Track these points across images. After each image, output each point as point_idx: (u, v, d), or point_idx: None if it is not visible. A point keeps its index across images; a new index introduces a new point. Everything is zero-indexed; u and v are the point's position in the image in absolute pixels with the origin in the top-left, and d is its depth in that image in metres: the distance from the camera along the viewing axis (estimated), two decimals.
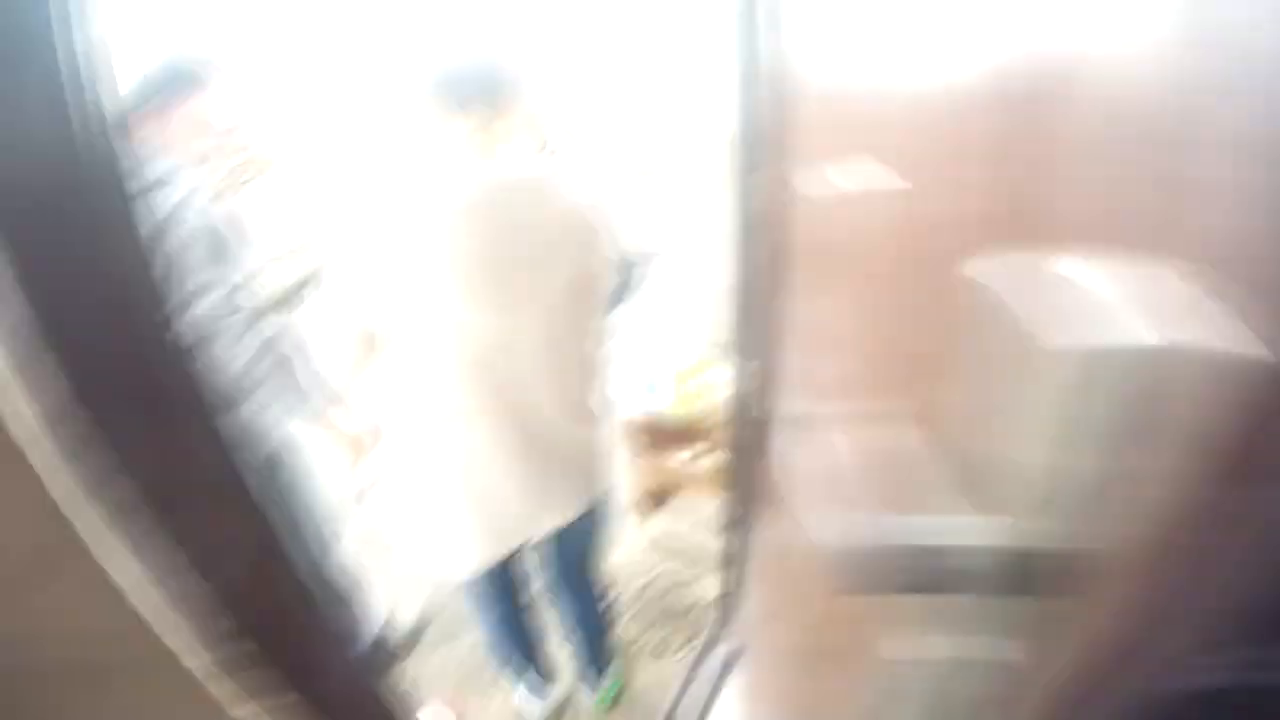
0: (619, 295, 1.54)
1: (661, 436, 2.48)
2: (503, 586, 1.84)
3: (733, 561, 2.12)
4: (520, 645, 2.06)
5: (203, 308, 1.54)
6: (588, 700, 2.25)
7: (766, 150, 1.37)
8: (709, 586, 2.49)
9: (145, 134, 1.59)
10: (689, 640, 2.45)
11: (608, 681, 2.22)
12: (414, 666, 2.47)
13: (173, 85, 1.63)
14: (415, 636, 2.56)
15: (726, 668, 2.06)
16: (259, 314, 1.64)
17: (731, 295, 1.74)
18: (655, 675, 2.36)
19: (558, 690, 2.23)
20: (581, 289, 1.36)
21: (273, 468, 1.88)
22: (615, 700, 2.25)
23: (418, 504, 1.52)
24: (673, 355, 2.36)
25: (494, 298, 1.26)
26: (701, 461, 2.48)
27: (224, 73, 1.68)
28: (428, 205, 1.22)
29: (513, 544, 1.58)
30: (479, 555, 1.55)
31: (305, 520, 2.00)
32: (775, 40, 1.27)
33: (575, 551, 1.85)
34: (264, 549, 0.61)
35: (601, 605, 2.08)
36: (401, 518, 1.61)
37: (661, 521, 2.74)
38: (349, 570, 2.21)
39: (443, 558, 1.57)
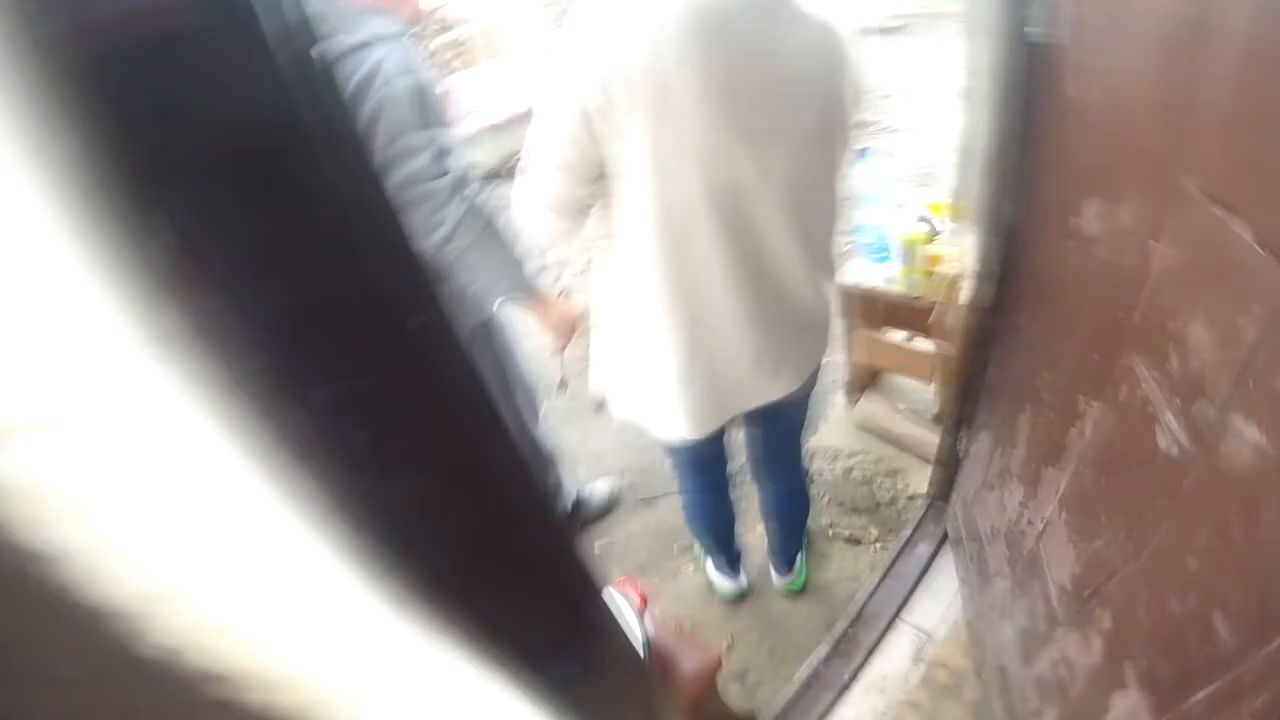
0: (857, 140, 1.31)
1: (883, 311, 2.27)
2: (710, 459, 1.74)
3: (946, 459, 1.93)
4: (717, 521, 2.00)
5: (409, 168, 1.51)
6: (776, 584, 2.23)
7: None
8: (916, 478, 2.31)
9: None
10: (889, 531, 2.31)
11: (796, 569, 2.17)
12: (607, 535, 2.56)
13: None
14: (610, 507, 2.64)
15: (929, 564, 1.93)
16: (466, 182, 1.58)
17: (979, 161, 1.50)
18: (850, 565, 2.26)
19: (747, 572, 2.22)
20: (832, 124, 1.16)
21: (482, 339, 1.93)
22: (802, 588, 2.21)
23: (638, 361, 1.36)
24: (907, 223, 2.10)
25: (741, 126, 1.06)
26: (922, 343, 2.25)
27: None
28: (670, 8, 0.99)
29: (735, 410, 1.42)
30: (702, 420, 1.38)
31: (513, 390, 2.07)
32: None
33: (785, 427, 1.73)
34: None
35: (802, 490, 1.97)
36: (620, 379, 1.44)
37: (872, 403, 2.56)
38: (549, 441, 2.29)
39: (662, 421, 1.40)
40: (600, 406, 1.60)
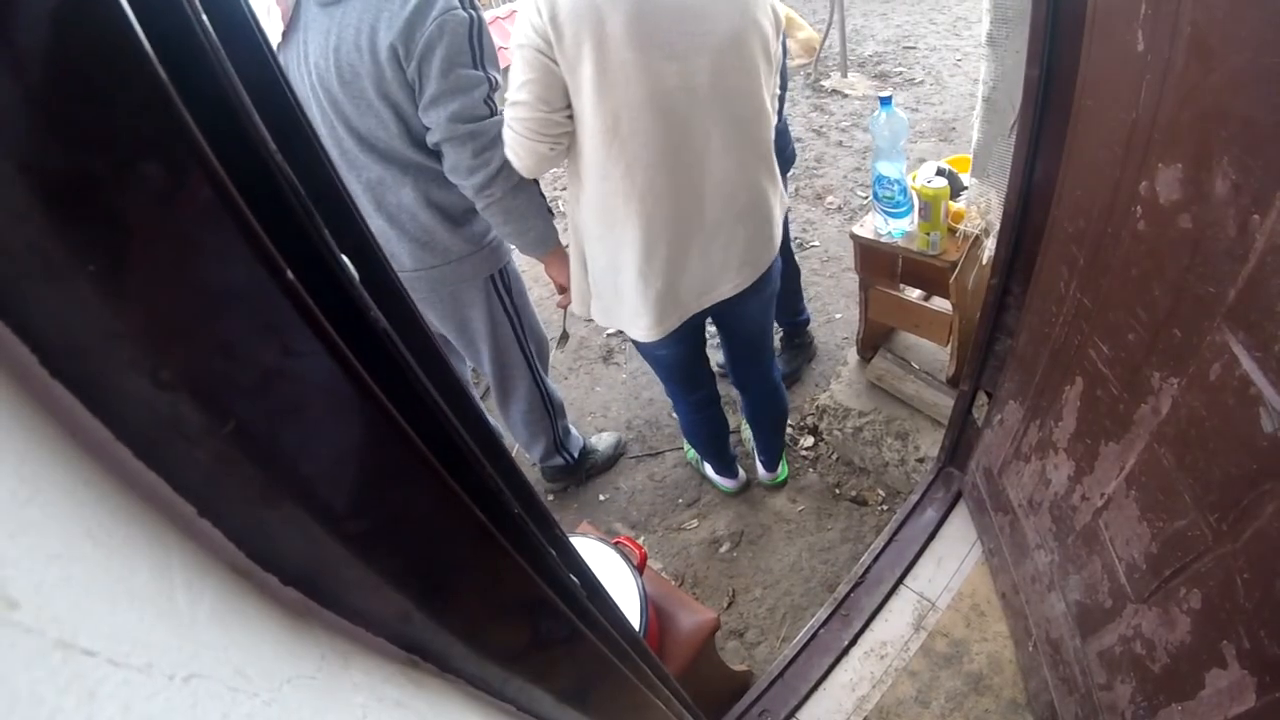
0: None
1: (900, 268, 2.17)
2: (693, 373, 1.91)
3: (959, 424, 1.86)
4: (708, 434, 2.17)
5: (463, 103, 1.46)
6: (762, 479, 2.39)
7: None
8: (926, 441, 2.25)
9: None
10: (895, 494, 2.27)
11: (779, 470, 2.37)
12: (612, 487, 2.52)
13: None
14: (615, 459, 2.59)
15: (935, 531, 1.88)
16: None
17: (1009, 113, 1.41)
18: (855, 525, 2.22)
19: (741, 474, 2.38)
20: (746, 35, 1.34)
21: (501, 284, 1.88)
22: (784, 483, 2.40)
23: (606, 270, 1.53)
24: (928, 177, 2.00)
25: (665, 45, 1.26)
26: (939, 303, 2.17)
27: None
28: None
29: (692, 307, 1.57)
30: (663, 318, 1.54)
31: (526, 338, 2.02)
32: None
33: (750, 331, 1.87)
34: None
35: (776, 390, 2.13)
36: (595, 289, 1.60)
37: (885, 362, 2.49)
38: (556, 392, 2.25)
39: (631, 322, 1.57)
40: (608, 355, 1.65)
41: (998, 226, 1.52)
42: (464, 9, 1.43)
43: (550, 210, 1.68)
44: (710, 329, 2.03)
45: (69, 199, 0.23)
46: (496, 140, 1.47)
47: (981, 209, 1.83)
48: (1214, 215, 0.80)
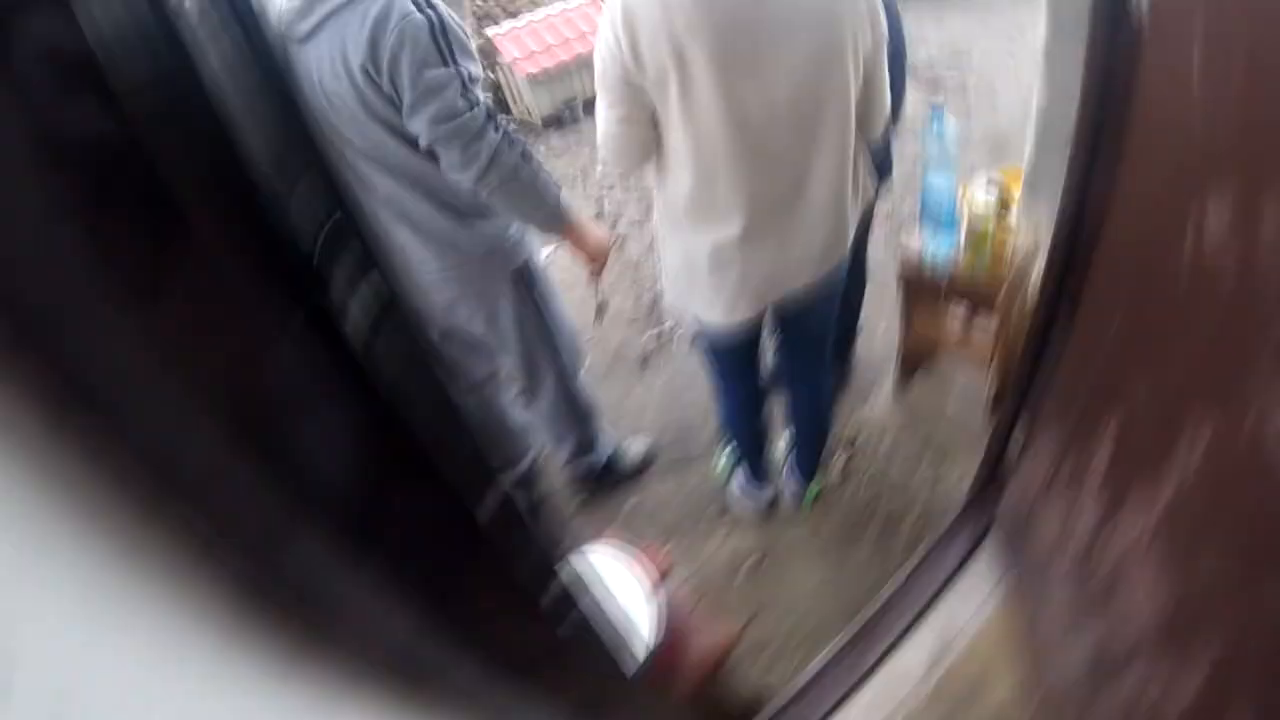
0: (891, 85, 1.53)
1: (945, 286, 2.10)
2: (744, 361, 1.93)
3: (996, 452, 1.78)
4: (750, 431, 2.14)
5: (440, 103, 1.47)
6: (791, 490, 2.29)
7: None
8: (962, 467, 2.16)
9: None
10: (925, 517, 2.18)
11: (812, 484, 2.27)
12: (638, 495, 2.48)
13: None
14: (645, 466, 2.53)
15: (962, 564, 1.80)
16: (495, 113, 1.54)
17: (1063, 131, 1.34)
18: (882, 549, 2.15)
19: (768, 492, 2.29)
20: (832, 51, 1.35)
21: (526, 281, 1.88)
22: (813, 503, 2.29)
23: (685, 261, 1.60)
24: (977, 193, 1.92)
25: (742, 67, 1.30)
26: (983, 324, 2.09)
27: None
28: None
29: (766, 296, 1.64)
30: (735, 306, 1.61)
31: (554, 338, 2.00)
32: None
33: (809, 331, 1.88)
34: None
35: (825, 398, 2.11)
36: (672, 279, 1.68)
37: (925, 383, 2.41)
38: (588, 395, 2.23)
39: (704, 307, 1.65)
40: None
41: (1047, 246, 1.45)
42: (420, 11, 1.43)
43: (555, 185, 1.68)
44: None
45: None
46: (483, 130, 1.50)
47: (1032, 227, 1.75)
48: (1271, 253, 0.74)
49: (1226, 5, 0.80)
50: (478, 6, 7.07)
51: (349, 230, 0.51)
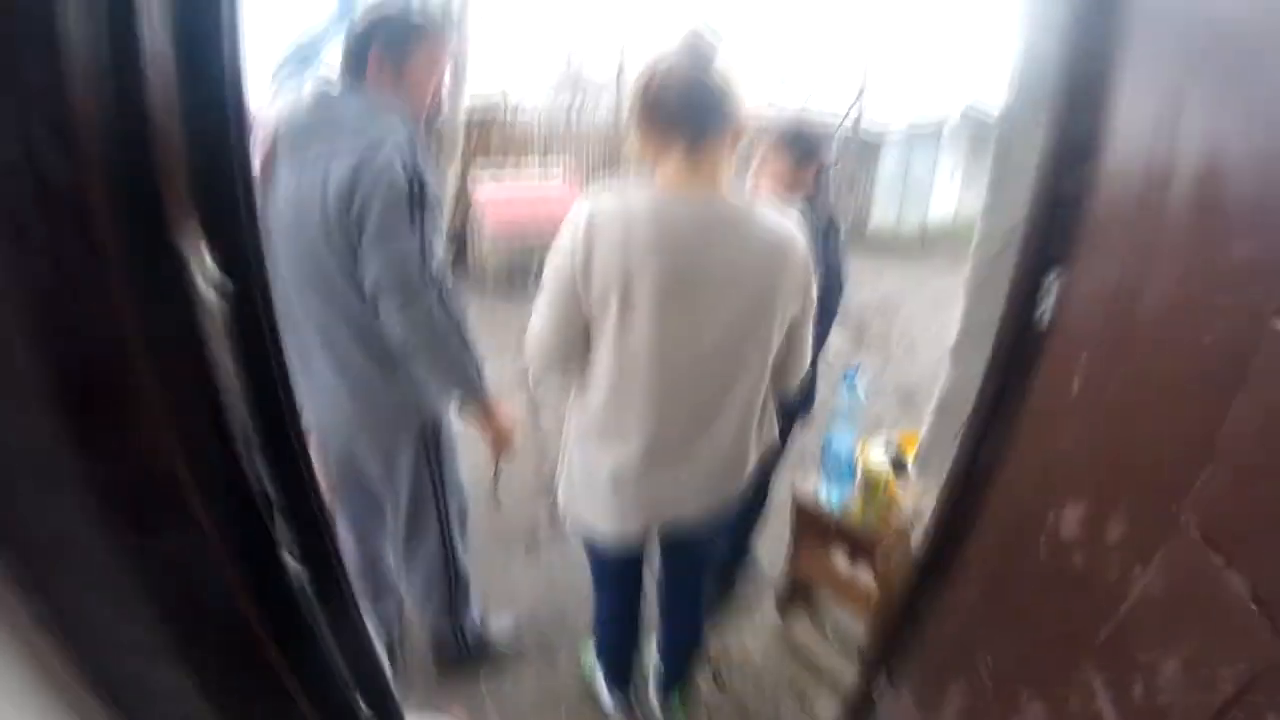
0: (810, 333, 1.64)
1: (832, 531, 2.23)
2: (627, 579, 1.97)
3: (858, 701, 1.83)
4: (619, 632, 2.12)
5: (392, 257, 1.54)
6: (652, 707, 2.23)
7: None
8: (824, 707, 2.19)
9: (382, 78, 1.62)
10: None
11: (675, 699, 2.22)
12: (497, 678, 2.38)
13: (418, 34, 1.64)
14: (509, 647, 2.45)
15: None
16: (442, 279, 1.61)
17: (957, 420, 1.51)
18: None
19: (629, 697, 2.24)
20: (762, 313, 1.47)
21: (430, 438, 1.88)
22: (676, 715, 2.23)
23: (586, 471, 1.64)
24: (875, 451, 2.11)
25: (681, 310, 1.40)
26: (864, 573, 2.20)
27: (449, 32, 1.71)
28: (639, 220, 1.35)
29: (655, 516, 1.67)
30: (624, 520, 1.64)
31: (448, 498, 1.99)
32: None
33: (692, 563, 1.93)
34: None
35: (696, 627, 2.11)
36: (570, 485, 1.71)
37: (799, 620, 2.47)
38: (465, 564, 2.17)
39: (595, 518, 1.67)
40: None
41: (929, 515, 1.58)
42: (403, 170, 1.52)
43: (478, 361, 1.75)
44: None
45: None
46: (422, 295, 1.57)
47: (916, 499, 1.92)
48: (1103, 558, 0.86)
49: (1105, 348, 0.98)
50: (465, 151, 7.48)
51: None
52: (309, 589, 0.60)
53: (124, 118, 0.39)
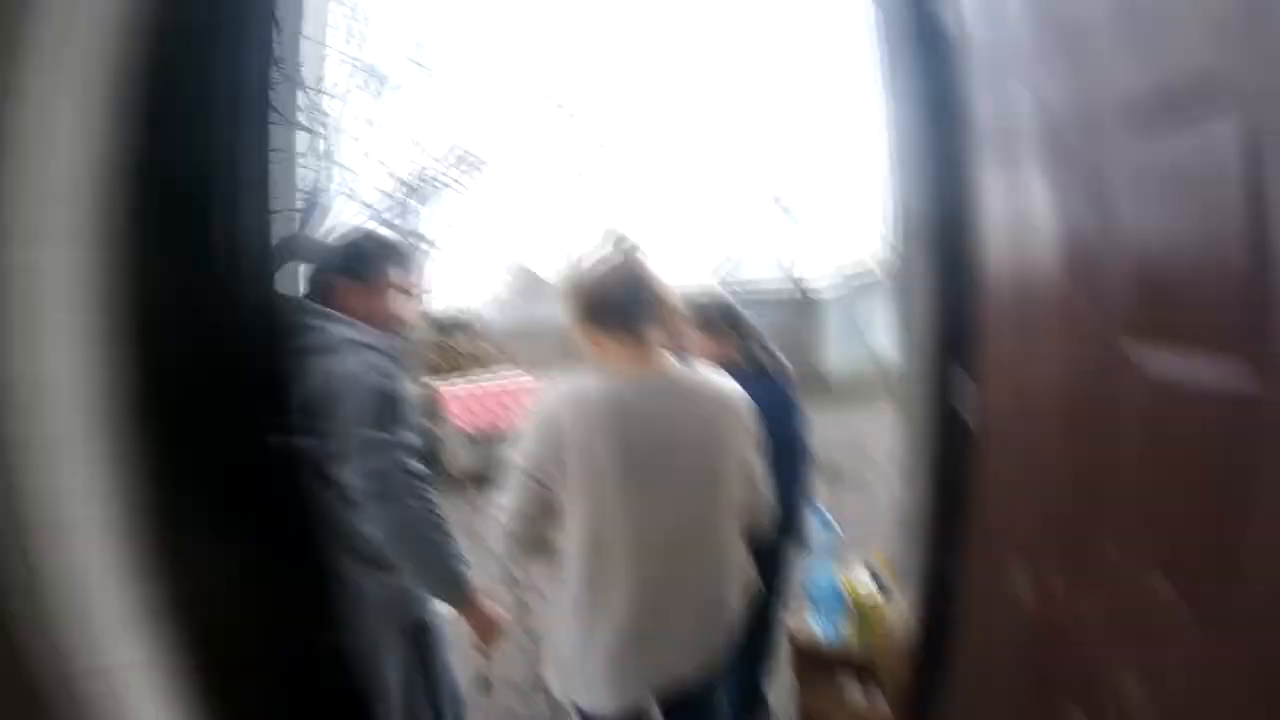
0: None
1: (835, 666, 2.26)
2: None
3: None
4: None
5: (368, 462, 1.59)
6: None
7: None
8: None
9: (350, 302, 1.75)
10: None
11: None
12: None
13: (384, 261, 1.81)
14: None
15: None
16: (421, 480, 1.66)
17: (915, 528, 1.64)
18: None
19: None
20: (719, 472, 1.58)
21: (418, 637, 1.87)
22: None
23: (575, 646, 1.60)
24: (858, 580, 2.20)
25: (645, 479, 1.48)
26: (876, 702, 2.22)
27: (419, 257, 1.88)
28: (596, 405, 1.47)
29: (651, 680, 1.63)
30: (624, 690, 1.60)
31: (438, 694, 1.94)
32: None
33: (697, 709, 1.80)
34: None
35: None
36: (559, 662, 1.67)
37: None
38: None
39: (590, 693, 1.62)
40: None
41: (912, 628, 1.67)
42: (375, 375, 1.62)
43: (461, 559, 1.75)
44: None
45: None
46: (402, 496, 1.62)
47: (904, 613, 2.00)
48: (1049, 603, 0.95)
49: (1014, 425, 1.12)
50: (431, 360, 7.79)
51: None
52: None
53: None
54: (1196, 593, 0.68)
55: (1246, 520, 0.61)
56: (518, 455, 1.53)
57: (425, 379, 7.78)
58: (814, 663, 2.25)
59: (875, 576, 2.21)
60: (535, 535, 1.57)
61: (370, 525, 1.64)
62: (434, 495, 1.71)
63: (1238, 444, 0.62)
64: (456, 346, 8.58)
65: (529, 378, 7.51)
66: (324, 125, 5.09)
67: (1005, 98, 1.07)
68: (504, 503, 1.56)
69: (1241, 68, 0.59)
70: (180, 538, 0.69)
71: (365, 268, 1.80)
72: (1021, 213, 1.06)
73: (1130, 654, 0.79)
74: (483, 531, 1.67)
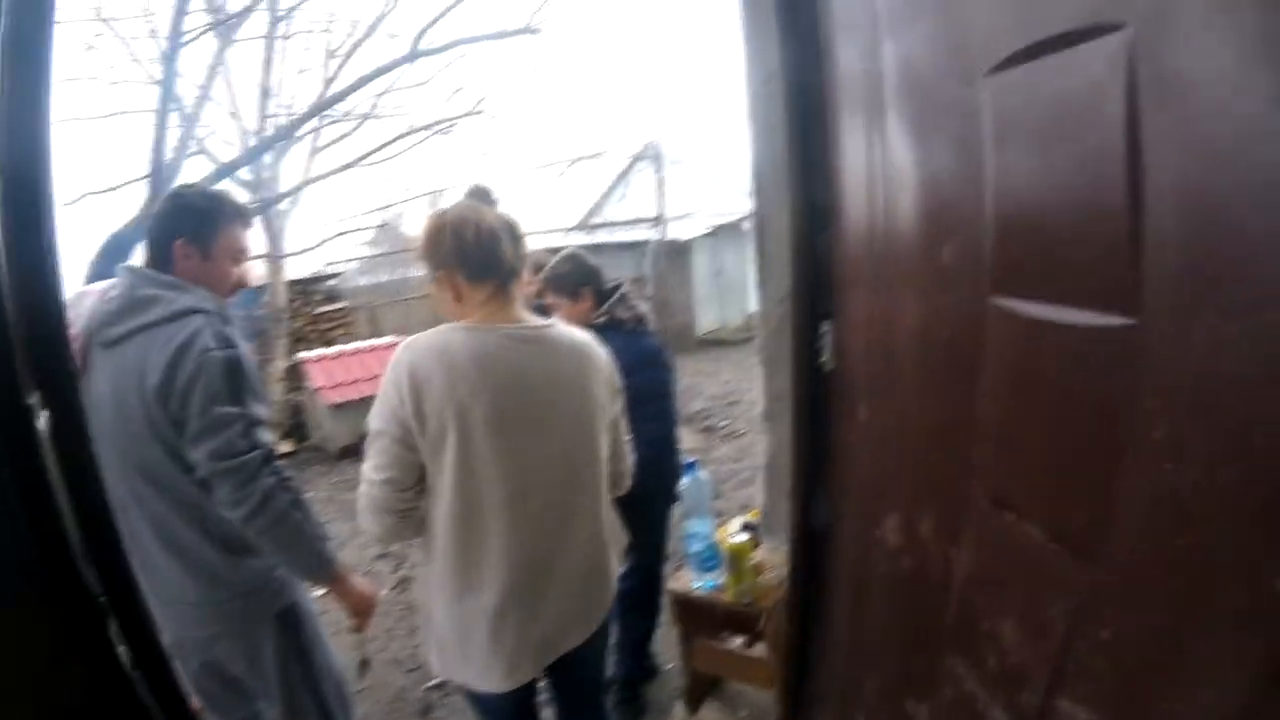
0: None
1: (718, 619, 2.29)
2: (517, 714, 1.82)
3: None
4: None
5: (221, 440, 1.52)
6: None
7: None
8: None
9: (188, 266, 1.64)
10: None
11: None
12: None
13: (221, 219, 1.69)
14: None
15: None
16: (274, 458, 1.59)
17: (784, 477, 1.64)
18: None
19: None
20: (588, 415, 1.55)
21: (289, 622, 1.79)
22: None
23: (459, 625, 1.55)
24: (733, 532, 2.22)
25: (517, 427, 1.44)
26: (759, 649, 2.26)
27: (254, 211, 1.75)
28: (460, 355, 1.40)
29: (542, 657, 1.60)
30: (515, 669, 1.56)
31: (320, 680, 1.86)
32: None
33: (582, 687, 1.85)
34: None
35: None
36: (442, 643, 1.59)
37: (712, 711, 2.48)
38: None
39: (481, 674, 1.56)
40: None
41: (787, 577, 1.69)
42: (220, 349, 1.54)
43: (323, 535, 1.70)
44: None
45: None
46: (258, 473, 1.54)
47: (776, 561, 2.04)
48: (924, 553, 0.96)
49: (876, 373, 1.12)
50: (295, 329, 7.38)
51: None
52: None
53: None
54: (1070, 533, 0.68)
55: (1119, 457, 0.60)
56: (377, 417, 1.43)
57: (286, 346, 7.37)
58: (695, 616, 2.27)
59: (749, 527, 2.23)
60: (401, 501, 1.47)
61: (225, 505, 1.55)
62: (289, 470, 1.62)
63: (1108, 380, 0.62)
64: (318, 311, 8.13)
65: (396, 340, 7.24)
66: (174, 77, 4.63)
67: (869, 52, 1.05)
68: (367, 471, 1.46)
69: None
70: None
71: (201, 227, 1.67)
72: (883, 163, 1.05)
73: (1007, 601, 0.79)
74: (353, 507, 1.57)
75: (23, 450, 0.64)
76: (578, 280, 2.37)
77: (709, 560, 2.18)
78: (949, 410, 0.90)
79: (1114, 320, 0.59)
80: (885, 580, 1.16)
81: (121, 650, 0.70)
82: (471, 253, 1.47)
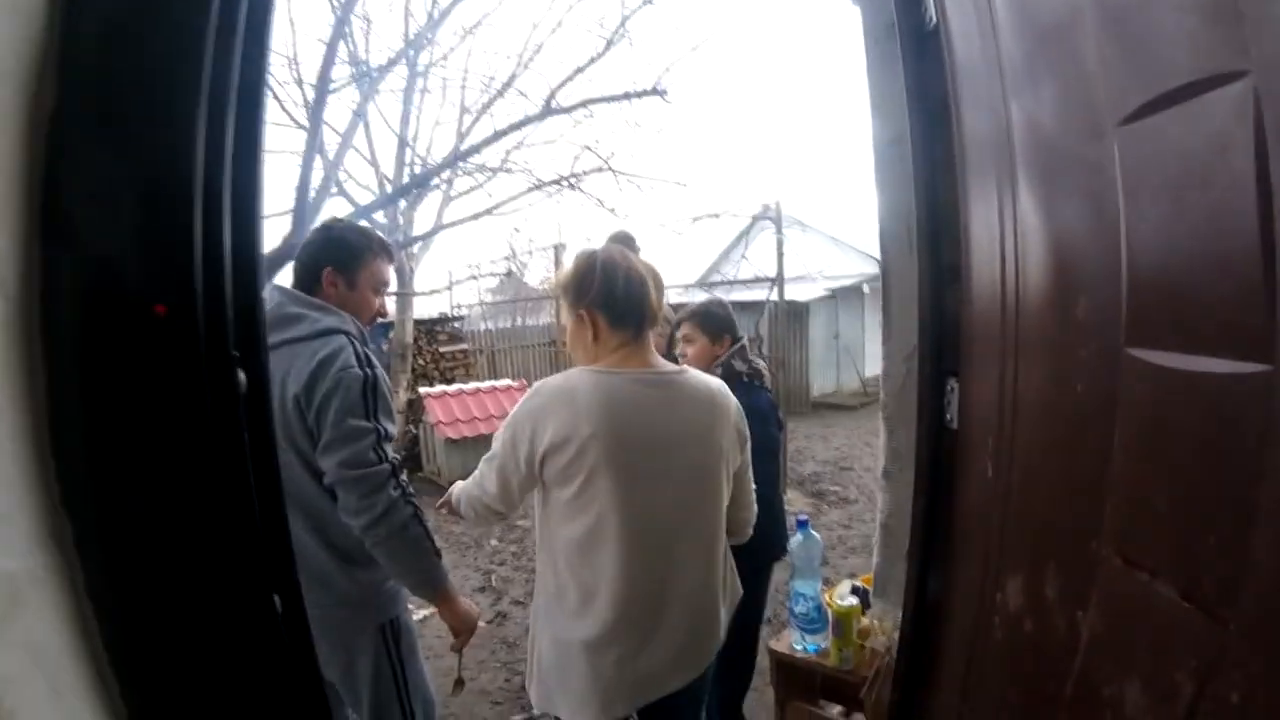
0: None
1: (817, 684, 2.23)
2: None
3: None
4: None
5: (354, 449, 1.62)
6: None
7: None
8: None
9: (331, 290, 1.79)
10: None
11: None
12: None
13: (363, 251, 1.84)
14: None
15: None
16: (399, 473, 1.68)
17: (902, 539, 1.61)
18: None
19: None
20: (710, 464, 1.57)
21: (390, 636, 1.85)
22: None
23: (560, 655, 1.58)
24: (841, 595, 2.17)
25: (636, 471, 1.46)
26: (856, 715, 2.18)
27: (396, 247, 1.90)
28: (588, 397, 1.45)
29: (640, 696, 1.60)
30: (610, 705, 1.56)
31: (410, 695, 1.91)
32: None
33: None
34: None
35: None
36: (542, 673, 1.64)
37: None
38: None
39: (577, 706, 1.58)
40: None
41: (898, 644, 1.64)
42: (359, 368, 1.66)
43: (437, 551, 1.78)
44: None
45: None
46: (384, 485, 1.64)
47: (885, 627, 1.97)
48: (1048, 616, 0.93)
49: (1003, 430, 1.10)
50: (418, 365, 7.82)
51: None
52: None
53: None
54: (1203, 594, 0.66)
55: (1254, 513, 0.59)
56: (499, 441, 1.53)
57: (409, 381, 7.79)
58: (793, 679, 2.22)
59: (857, 591, 2.17)
60: (491, 517, 1.64)
61: (348, 512, 1.65)
62: (412, 488, 1.72)
63: (1242, 435, 0.61)
64: (441, 350, 8.58)
65: (514, 384, 7.52)
66: (320, 123, 5.11)
67: (995, 112, 1.07)
68: (479, 473, 1.61)
69: (1241, 46, 0.57)
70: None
71: (349, 259, 1.83)
72: (1013, 220, 1.05)
73: (1133, 664, 0.76)
74: (467, 537, 1.66)
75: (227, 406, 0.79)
76: (723, 324, 2.46)
77: (814, 622, 2.14)
78: (1079, 466, 0.88)
79: (1249, 368, 0.58)
80: (1002, 646, 1.12)
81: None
82: (619, 297, 1.53)
